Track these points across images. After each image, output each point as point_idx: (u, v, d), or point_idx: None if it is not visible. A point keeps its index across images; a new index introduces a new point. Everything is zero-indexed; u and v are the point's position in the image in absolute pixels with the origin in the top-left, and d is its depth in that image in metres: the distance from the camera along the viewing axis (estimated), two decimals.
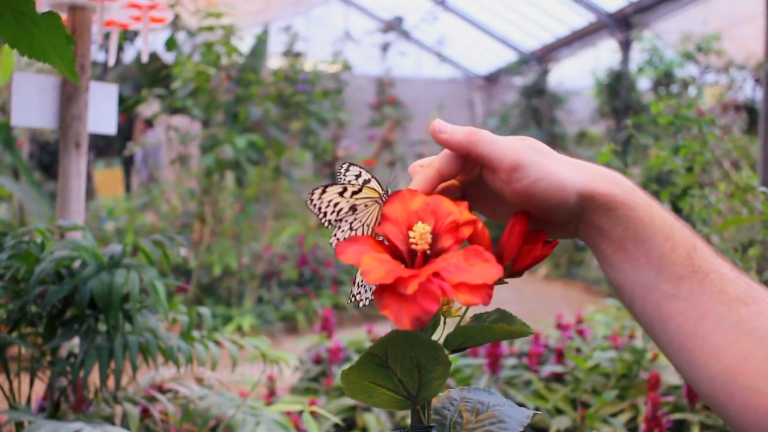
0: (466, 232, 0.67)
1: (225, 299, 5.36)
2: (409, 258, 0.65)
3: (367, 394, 0.70)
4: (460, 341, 0.71)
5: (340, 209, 0.74)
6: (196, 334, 1.86)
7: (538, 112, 10.48)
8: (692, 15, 8.05)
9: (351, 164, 0.76)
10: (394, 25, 9.87)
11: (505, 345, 2.75)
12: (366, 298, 0.76)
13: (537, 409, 2.36)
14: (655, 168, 2.15)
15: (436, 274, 0.62)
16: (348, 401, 2.59)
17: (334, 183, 0.76)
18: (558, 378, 2.61)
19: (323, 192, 0.74)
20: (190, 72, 4.82)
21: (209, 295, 5.36)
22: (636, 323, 2.90)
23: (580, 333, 2.81)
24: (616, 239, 0.67)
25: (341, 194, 0.74)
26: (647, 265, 0.66)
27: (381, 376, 0.69)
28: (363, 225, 0.75)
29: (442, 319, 0.72)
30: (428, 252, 0.65)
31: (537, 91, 10.58)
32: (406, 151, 9.58)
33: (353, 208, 0.75)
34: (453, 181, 0.73)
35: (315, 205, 0.74)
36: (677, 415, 2.18)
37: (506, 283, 0.71)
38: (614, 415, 2.39)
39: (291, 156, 5.89)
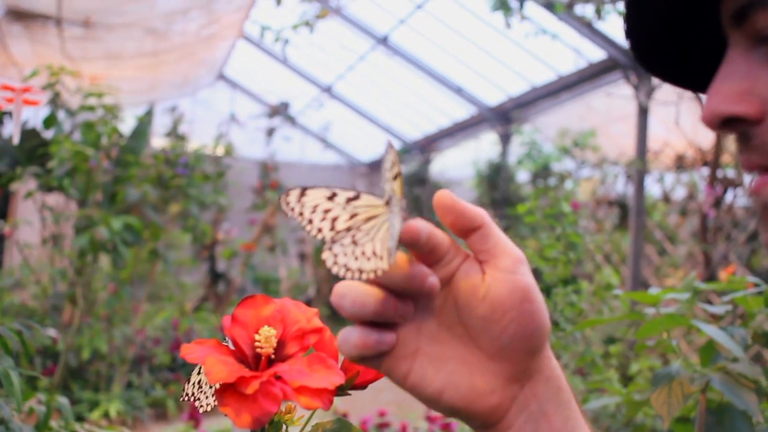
0: (312, 339, 0.69)
1: (93, 383, 5.21)
2: (254, 362, 0.66)
3: None
4: None
5: (335, 218, 0.61)
6: (54, 424, 1.80)
7: (420, 200, 10.62)
8: (570, 111, 8.31)
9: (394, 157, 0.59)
10: (279, 110, 9.92)
11: None
12: (207, 404, 0.75)
13: None
14: (548, 277, 2.18)
15: (278, 378, 0.64)
16: None
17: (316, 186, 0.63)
18: None
19: (302, 194, 0.62)
20: (67, 151, 4.74)
21: (77, 379, 5.21)
22: None
23: (446, 427, 2.82)
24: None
25: (330, 199, 0.62)
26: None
27: None
28: (374, 240, 0.59)
29: (284, 428, 0.73)
30: (273, 357, 0.66)
31: (419, 180, 10.73)
32: (287, 236, 9.56)
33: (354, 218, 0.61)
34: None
35: (292, 208, 0.62)
36: None
37: (349, 394, 0.72)
38: None
39: (169, 238, 5.82)
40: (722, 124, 0.55)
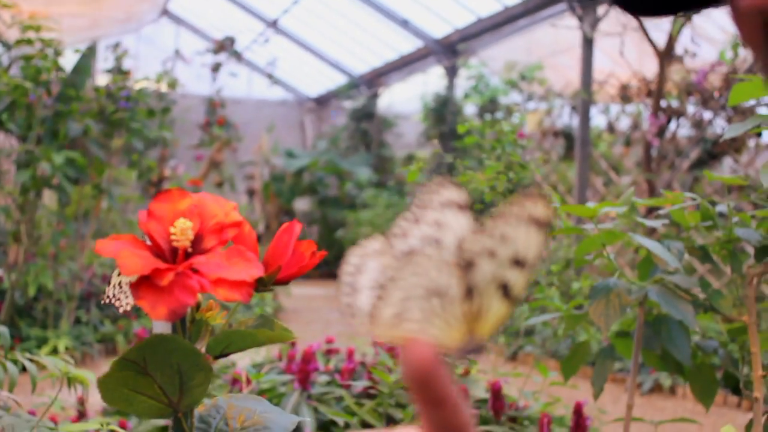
0: (231, 233, 0.68)
1: (41, 321, 5.17)
2: (171, 257, 0.65)
3: (127, 402, 0.69)
4: (223, 347, 0.70)
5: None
6: None
7: (368, 135, 10.60)
8: (516, 44, 8.30)
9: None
10: (225, 46, 9.78)
11: (320, 362, 2.76)
12: (127, 304, 0.74)
13: (346, 425, 2.36)
14: (488, 197, 2.17)
15: (195, 271, 0.63)
16: (159, 422, 2.53)
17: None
18: (370, 395, 2.62)
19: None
20: (5, 86, 4.65)
21: (24, 317, 5.16)
22: None
23: (391, 350, 2.83)
24: None
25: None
26: None
27: (141, 384, 0.67)
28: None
29: (206, 325, 0.72)
30: (190, 251, 0.65)
31: (366, 114, 10.70)
32: (235, 172, 9.50)
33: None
34: None
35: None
36: (483, 428, 2.22)
37: (271, 290, 0.72)
38: None
39: (114, 175, 5.75)
40: None
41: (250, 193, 10.65)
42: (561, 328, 2.02)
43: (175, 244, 0.65)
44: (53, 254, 5.31)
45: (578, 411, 2.16)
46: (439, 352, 0.36)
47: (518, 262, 0.40)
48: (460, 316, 0.41)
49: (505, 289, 0.41)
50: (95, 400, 2.93)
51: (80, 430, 1.97)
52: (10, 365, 1.77)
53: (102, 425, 1.97)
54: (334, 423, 2.44)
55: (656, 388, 4.46)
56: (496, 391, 2.31)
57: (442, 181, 0.44)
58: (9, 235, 5.13)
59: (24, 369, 1.86)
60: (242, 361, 3.14)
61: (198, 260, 0.64)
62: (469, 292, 0.41)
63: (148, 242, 0.66)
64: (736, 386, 1.75)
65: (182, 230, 0.65)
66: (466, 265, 0.40)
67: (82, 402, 2.68)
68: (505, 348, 4.76)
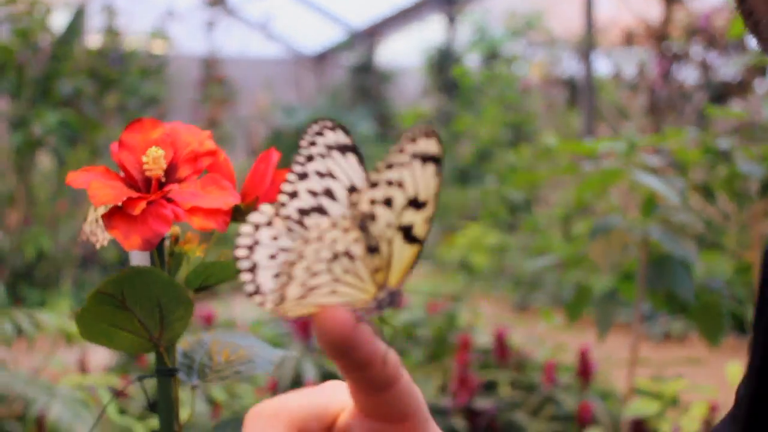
0: (205, 162, 0.66)
1: (41, 284, 5.16)
2: (144, 187, 0.63)
3: (107, 338, 0.67)
4: (202, 279, 0.68)
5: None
6: None
7: (367, 89, 10.55)
8: None
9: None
10: (219, 1, 9.71)
11: None
12: (104, 239, 0.72)
13: None
14: (486, 141, 2.15)
15: (169, 200, 0.61)
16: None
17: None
18: None
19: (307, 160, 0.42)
20: None
21: (25, 280, 5.15)
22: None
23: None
24: None
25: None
26: None
27: (120, 318, 0.66)
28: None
29: (186, 258, 0.70)
30: (164, 181, 0.63)
31: (365, 68, 10.64)
32: (235, 130, 9.48)
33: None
34: None
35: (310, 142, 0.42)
36: (488, 373, 2.22)
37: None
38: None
39: (110, 135, 5.72)
40: None
41: (251, 151, 10.61)
42: (565, 273, 2.00)
43: (147, 173, 0.64)
44: (51, 217, 5.30)
45: (583, 356, 2.14)
46: (353, 314, 0.36)
47: (416, 203, 0.39)
48: (368, 271, 0.39)
49: (407, 232, 0.39)
50: (98, 360, 2.93)
51: (80, 382, 1.96)
52: (6, 323, 1.76)
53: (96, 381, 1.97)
54: (335, 375, 2.43)
55: (667, 338, 4.44)
56: (500, 339, 2.31)
57: (322, 124, 0.42)
58: (5, 199, 5.11)
59: (20, 332, 1.85)
60: (245, 316, 3.14)
61: (171, 189, 0.62)
62: (373, 246, 0.39)
63: (121, 174, 0.64)
64: (741, 326, 1.73)
65: (154, 159, 0.63)
66: (365, 219, 0.38)
67: (83, 362, 2.67)
68: (512, 296, 4.70)
